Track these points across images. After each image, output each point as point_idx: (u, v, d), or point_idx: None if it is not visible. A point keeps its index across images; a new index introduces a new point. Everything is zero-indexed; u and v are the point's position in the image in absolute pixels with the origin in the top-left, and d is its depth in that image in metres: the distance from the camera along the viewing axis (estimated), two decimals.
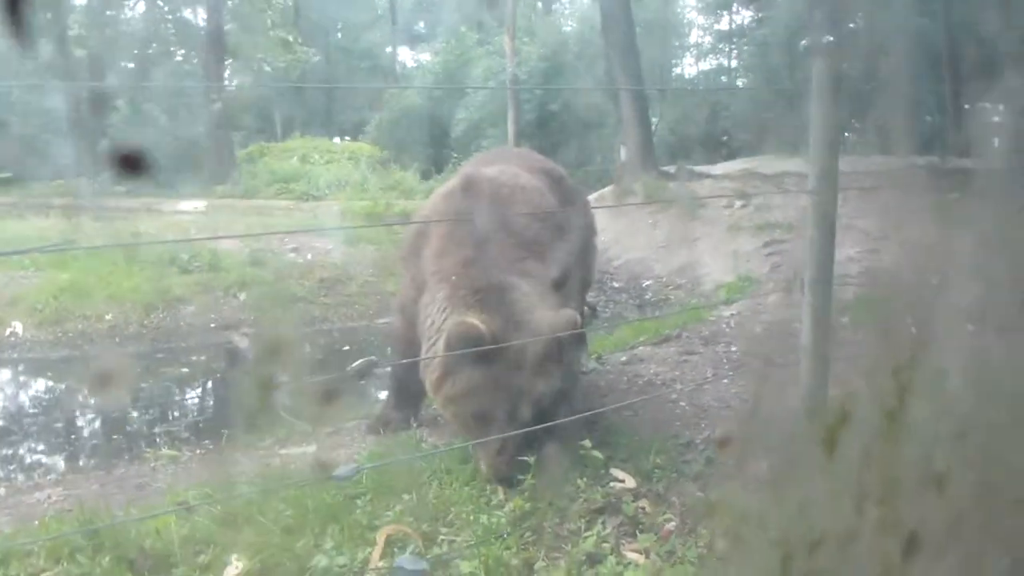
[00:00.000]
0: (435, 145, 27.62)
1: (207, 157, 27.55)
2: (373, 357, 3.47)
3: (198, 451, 4.41)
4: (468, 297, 3.37)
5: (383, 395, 4.74)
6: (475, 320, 3.23)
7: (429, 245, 3.67)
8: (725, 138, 23.93)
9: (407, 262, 3.99)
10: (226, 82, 31.18)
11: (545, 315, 3.37)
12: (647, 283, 11.15)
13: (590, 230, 4.89)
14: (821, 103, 2.03)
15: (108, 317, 7.91)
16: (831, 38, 2.57)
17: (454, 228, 3.61)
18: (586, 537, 2.96)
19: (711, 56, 32.05)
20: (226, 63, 31.76)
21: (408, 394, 4.09)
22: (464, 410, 3.37)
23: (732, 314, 7.30)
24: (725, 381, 4.98)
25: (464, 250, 3.50)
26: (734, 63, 30.29)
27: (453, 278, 3.46)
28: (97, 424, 6.01)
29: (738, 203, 12.37)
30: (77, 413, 6.52)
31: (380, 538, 2.85)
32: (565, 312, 3.41)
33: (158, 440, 5.07)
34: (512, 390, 3.26)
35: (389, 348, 4.86)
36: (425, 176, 26.31)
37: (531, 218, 3.76)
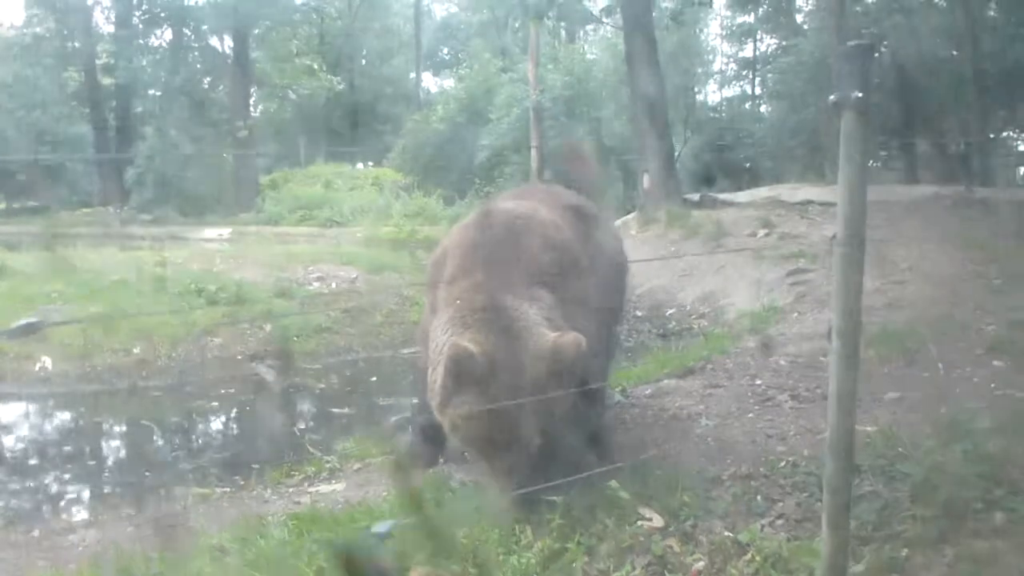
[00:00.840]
0: (458, 171, 27.76)
1: (232, 184, 27.92)
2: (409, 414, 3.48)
3: (228, 488, 4.44)
4: (468, 317, 3.41)
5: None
6: (467, 342, 3.25)
7: (444, 274, 3.76)
8: (748, 165, 23.91)
9: (427, 292, 4.11)
10: (251, 109, 31.58)
11: (548, 336, 3.36)
12: (670, 312, 11.12)
13: (619, 267, 4.85)
14: (849, 158, 2.05)
15: (136, 351, 8.00)
16: (860, 93, 2.59)
17: (466, 256, 3.71)
18: None
19: (735, 83, 32.11)
20: (252, 90, 32.27)
21: (434, 428, 3.99)
22: (469, 435, 3.37)
23: (755, 345, 7.28)
24: (750, 415, 4.97)
25: (472, 275, 3.56)
26: (758, 90, 30.33)
27: (458, 301, 3.51)
28: (127, 460, 6.08)
29: (762, 231, 12.36)
30: (107, 449, 6.60)
31: None
32: (571, 334, 3.38)
33: (188, 477, 5.11)
34: (513, 412, 3.22)
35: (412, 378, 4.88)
36: (448, 202, 26.45)
37: (544, 248, 3.76)
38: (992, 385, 4.87)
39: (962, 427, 3.60)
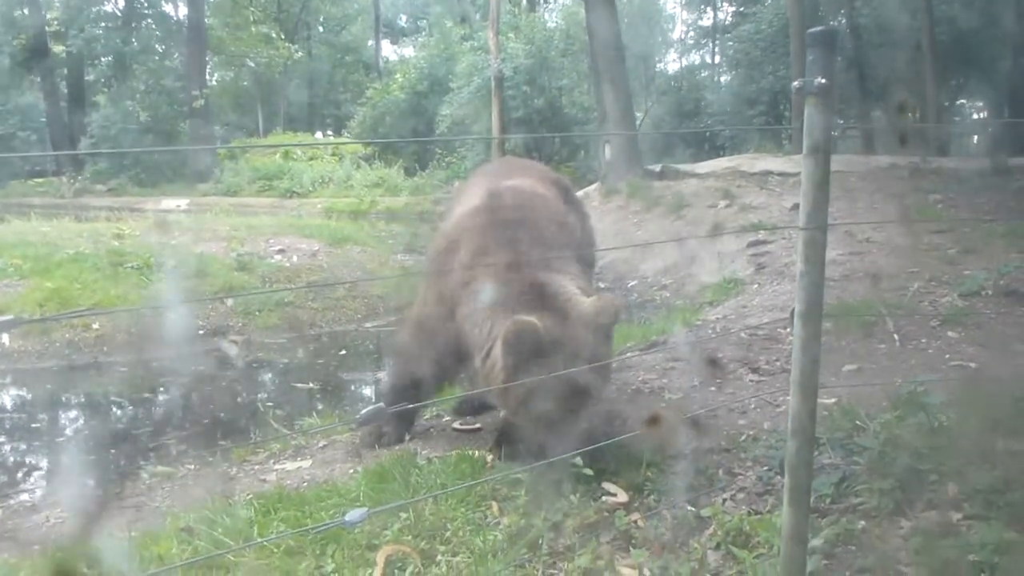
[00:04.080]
0: (418, 142, 27.58)
1: (188, 154, 27.40)
2: (381, 404, 3.46)
3: (193, 466, 4.41)
4: (514, 299, 3.44)
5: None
6: (530, 317, 3.28)
7: (459, 260, 3.73)
8: (708, 135, 24.04)
9: (434, 280, 4.01)
10: (207, 78, 30.91)
11: (588, 303, 3.44)
12: (632, 283, 11.21)
13: (592, 236, 5.07)
14: (813, 144, 2.07)
15: (95, 326, 7.86)
16: (824, 80, 2.61)
17: (485, 239, 3.71)
18: (581, 553, 3.01)
19: (694, 51, 32.17)
20: (207, 59, 31.59)
21: (404, 409, 4.09)
22: (535, 408, 3.35)
23: (718, 318, 7.38)
24: (712, 389, 5.05)
25: (499, 257, 3.57)
26: (718, 59, 30.42)
27: (490, 284, 3.53)
28: (89, 438, 5.99)
29: (722, 203, 12.47)
30: (68, 427, 6.49)
31: (380, 558, 2.89)
32: (606, 296, 3.53)
33: (152, 455, 5.07)
34: (576, 379, 3.28)
35: (390, 360, 4.84)
36: (409, 172, 26.27)
37: (556, 223, 3.94)
38: (947, 356, 5.01)
39: (917, 399, 3.70)
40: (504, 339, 3.30)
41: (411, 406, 3.94)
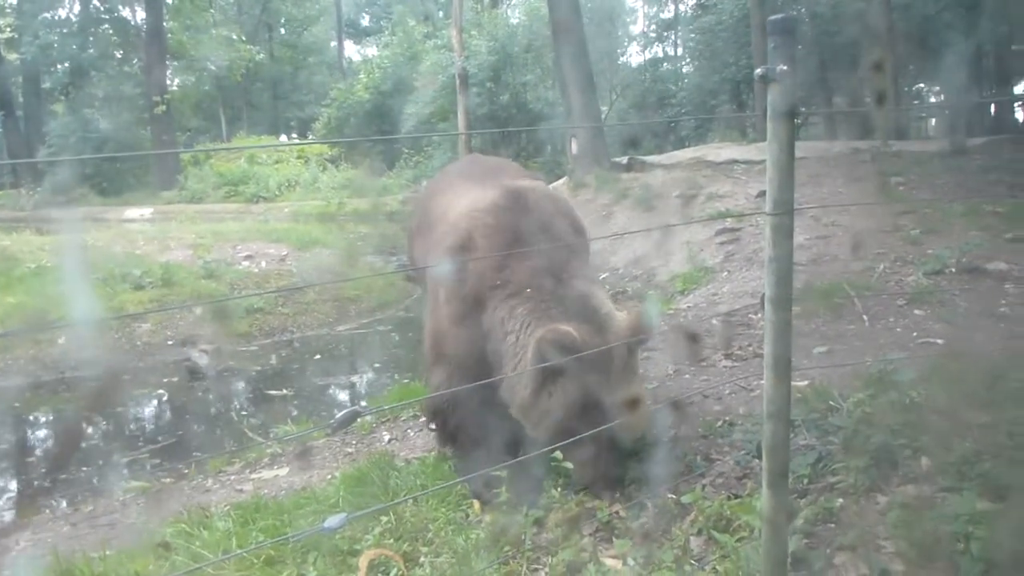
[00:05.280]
0: (385, 141, 27.43)
1: (152, 162, 26.98)
2: (357, 407, 3.40)
3: (168, 479, 4.34)
4: (550, 309, 3.33)
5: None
6: (567, 327, 3.17)
7: (481, 258, 3.53)
8: (673, 126, 24.16)
9: (443, 280, 3.71)
10: (168, 83, 30.40)
11: (622, 318, 3.36)
12: (604, 275, 11.23)
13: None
14: (776, 129, 2.08)
15: (61, 341, 7.71)
16: (785, 67, 2.62)
17: (506, 238, 3.53)
18: (564, 547, 3.01)
19: (657, 44, 32.31)
20: (168, 63, 31.10)
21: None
22: (561, 422, 3.21)
23: (689, 306, 7.42)
24: (687, 376, 5.07)
25: (529, 261, 3.44)
26: (680, 51, 30.58)
27: (528, 290, 3.39)
28: (58, 456, 5.87)
29: (689, 192, 12.52)
30: (36, 445, 6.35)
31: (363, 563, 2.86)
32: (638, 314, 3.41)
33: (125, 470, 4.98)
34: (606, 397, 3.20)
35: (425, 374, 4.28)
36: (377, 173, 26.10)
37: (571, 229, 3.80)
38: (915, 334, 5.08)
39: (888, 377, 3.75)
40: (539, 346, 3.17)
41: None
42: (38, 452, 6.20)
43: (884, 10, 16.65)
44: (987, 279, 6.06)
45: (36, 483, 5.34)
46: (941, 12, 18.87)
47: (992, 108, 20.58)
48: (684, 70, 29.20)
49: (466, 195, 3.94)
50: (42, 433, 6.65)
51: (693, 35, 26.79)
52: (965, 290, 5.94)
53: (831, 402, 3.76)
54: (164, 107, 27.04)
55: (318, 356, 8.18)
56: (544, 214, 3.64)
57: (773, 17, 2.08)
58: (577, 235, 3.83)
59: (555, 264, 3.44)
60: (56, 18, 30.23)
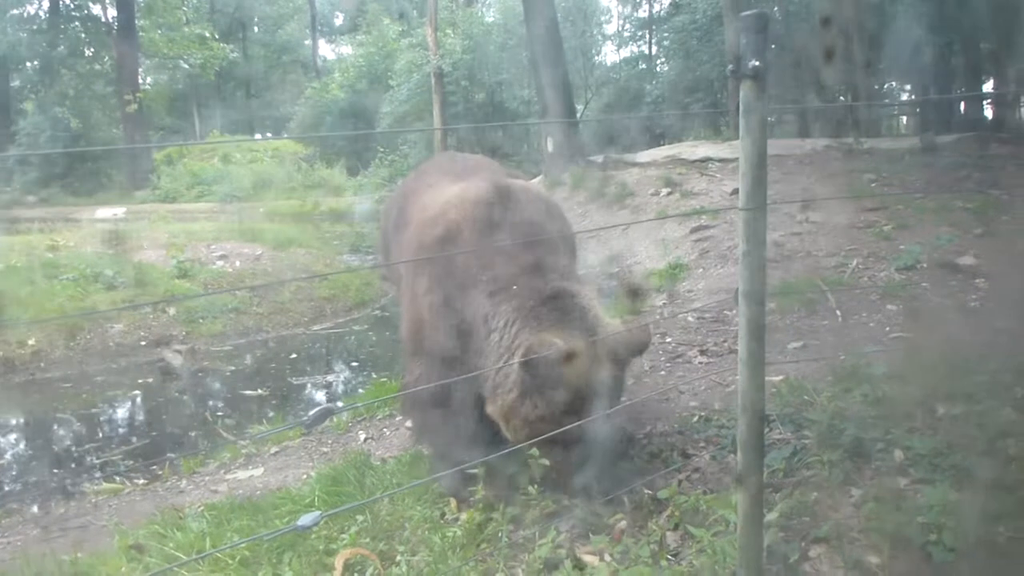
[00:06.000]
0: (360, 140, 27.28)
1: (124, 162, 26.65)
2: (330, 405, 3.37)
3: (141, 481, 4.29)
4: (538, 309, 3.23)
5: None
6: (556, 339, 3.06)
7: (466, 250, 3.44)
8: (648, 124, 24.24)
9: (427, 268, 3.57)
10: (140, 82, 30.05)
11: (620, 331, 3.24)
12: (580, 273, 11.24)
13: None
14: (749, 125, 2.09)
15: (31, 342, 7.59)
16: (757, 63, 2.62)
17: (495, 233, 3.43)
18: (541, 544, 3.00)
19: (632, 43, 32.40)
20: (140, 61, 30.72)
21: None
22: (543, 432, 3.07)
23: (664, 303, 7.46)
24: (663, 373, 5.10)
25: (518, 259, 3.34)
26: (655, 49, 30.67)
27: (514, 288, 3.30)
28: (29, 458, 5.78)
29: (664, 190, 12.58)
30: (5, 448, 6.24)
31: (339, 563, 2.85)
32: (642, 327, 3.33)
33: (97, 472, 4.90)
34: (592, 409, 3.11)
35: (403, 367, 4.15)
36: (352, 172, 25.98)
37: (566, 227, 3.77)
38: (887, 329, 5.14)
39: (861, 372, 3.79)
40: (525, 357, 3.06)
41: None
42: (5, 456, 6.09)
43: (855, 8, 16.82)
44: (958, 274, 6.14)
45: (5, 487, 5.26)
46: (910, 9, 19.09)
47: (962, 106, 20.84)
48: (659, 69, 29.31)
49: (447, 191, 3.85)
50: (9, 437, 6.54)
51: (667, 34, 26.89)
52: (936, 284, 6.02)
53: (805, 397, 3.79)
54: (136, 106, 26.73)
55: (294, 355, 8.12)
56: (534, 212, 3.56)
57: (745, 13, 2.09)
58: (566, 235, 3.75)
59: (543, 263, 3.35)
60: (25, 15, 29.71)
